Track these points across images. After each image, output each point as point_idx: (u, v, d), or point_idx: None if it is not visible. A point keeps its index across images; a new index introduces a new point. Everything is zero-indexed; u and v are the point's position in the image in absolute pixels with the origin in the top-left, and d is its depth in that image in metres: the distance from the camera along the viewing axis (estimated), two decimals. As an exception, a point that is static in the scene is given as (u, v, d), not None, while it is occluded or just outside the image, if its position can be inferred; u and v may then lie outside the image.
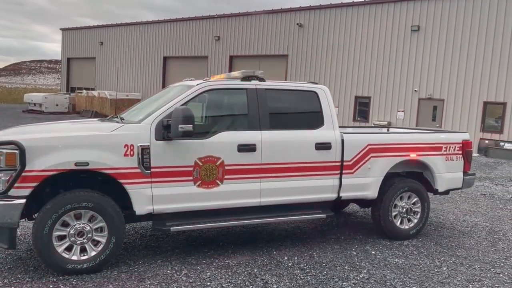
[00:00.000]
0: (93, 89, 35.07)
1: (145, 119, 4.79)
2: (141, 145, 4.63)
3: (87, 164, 4.39)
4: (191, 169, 4.84)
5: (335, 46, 24.86)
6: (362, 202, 6.35)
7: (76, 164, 4.35)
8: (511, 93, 19.28)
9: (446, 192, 6.58)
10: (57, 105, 31.67)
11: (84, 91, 33.05)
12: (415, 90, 22.01)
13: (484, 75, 19.93)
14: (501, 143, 18.71)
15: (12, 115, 28.76)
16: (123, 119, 5.01)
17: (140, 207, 4.67)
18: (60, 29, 40.04)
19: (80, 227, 4.45)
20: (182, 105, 4.86)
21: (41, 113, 30.31)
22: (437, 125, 21.10)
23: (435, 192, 6.45)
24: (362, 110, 24.16)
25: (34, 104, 31.71)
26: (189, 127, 4.55)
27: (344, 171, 5.67)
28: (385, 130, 8.19)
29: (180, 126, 4.54)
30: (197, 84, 5.13)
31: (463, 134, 6.71)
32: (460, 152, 6.50)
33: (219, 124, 5.34)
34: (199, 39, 31.25)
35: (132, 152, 4.60)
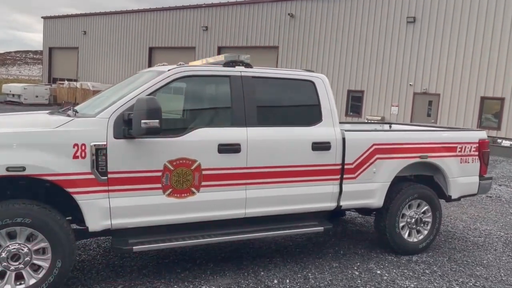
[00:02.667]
0: (76, 80, 33.72)
1: (102, 112, 3.83)
2: (95, 145, 3.67)
3: (23, 169, 3.43)
4: (159, 174, 3.91)
5: (327, 38, 23.97)
6: (363, 209, 5.47)
7: (8, 169, 3.39)
8: (509, 88, 18.60)
9: (459, 198, 5.74)
10: (37, 96, 30.28)
11: (66, 82, 31.70)
12: (410, 84, 21.24)
13: (482, 69, 19.21)
14: (499, 140, 18.04)
15: (-12, 106, 27.40)
16: (77, 112, 4.04)
17: (94, 222, 3.73)
18: (42, 17, 38.51)
19: (14, 248, 3.49)
20: (148, 94, 3.91)
21: (20, 105, 28.96)
22: (432, 120, 20.38)
23: (448, 199, 5.59)
24: (354, 104, 23.35)
25: (13, 95, 30.30)
26: (154, 122, 3.61)
27: (345, 176, 4.78)
28: (387, 127, 7.31)
29: (143, 121, 3.60)
30: (169, 70, 4.18)
31: (480, 132, 5.86)
32: (476, 153, 5.65)
33: (196, 119, 4.42)
34: (186, 29, 30.09)
35: (83, 154, 3.64)
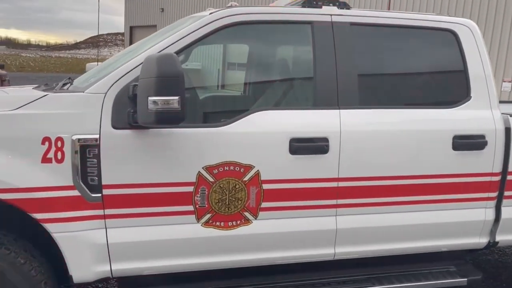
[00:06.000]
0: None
1: (94, 85, 2.28)
2: (80, 139, 2.14)
3: (-45, 179, 2.00)
4: (190, 189, 2.30)
5: None
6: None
7: None
8: None
9: None
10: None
11: (145, 61, 31.72)
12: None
13: None
14: None
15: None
16: (71, 85, 2.53)
17: (82, 269, 2.23)
18: (123, -4, 39.05)
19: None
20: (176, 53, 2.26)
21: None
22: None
23: None
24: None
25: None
26: (171, 101, 1.97)
27: (506, 194, 2.81)
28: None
29: (151, 98, 1.98)
30: (211, 13, 2.49)
31: None
32: None
33: (253, 97, 2.79)
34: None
35: (59, 155, 2.14)
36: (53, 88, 2.57)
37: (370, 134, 2.53)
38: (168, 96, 1.95)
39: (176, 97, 1.96)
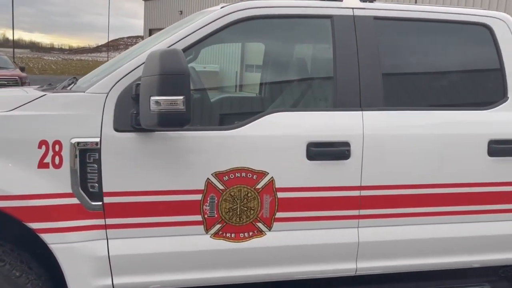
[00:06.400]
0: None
1: (96, 84, 2.11)
2: (79, 143, 1.98)
3: None
4: (198, 197, 2.11)
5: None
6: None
7: None
8: None
9: None
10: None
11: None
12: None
13: None
14: None
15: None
16: (71, 85, 2.38)
17: (81, 282, 2.06)
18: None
19: None
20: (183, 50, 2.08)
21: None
22: None
23: None
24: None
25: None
26: (176, 100, 1.79)
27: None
28: None
29: (153, 98, 1.79)
30: (223, 7, 2.30)
31: None
32: None
33: (266, 97, 2.60)
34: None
35: (57, 159, 1.98)
36: (55, 88, 2.43)
37: (396, 138, 2.30)
38: (172, 96, 1.77)
39: (181, 97, 1.78)
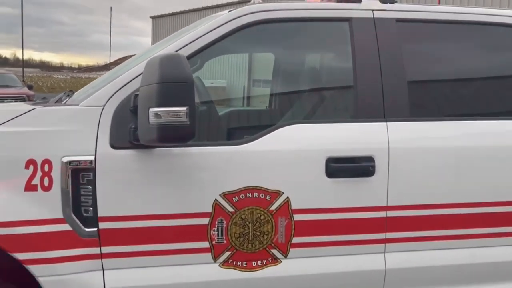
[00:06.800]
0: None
1: (91, 97, 1.90)
2: (72, 162, 1.76)
3: None
4: (205, 222, 1.88)
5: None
6: None
7: None
8: None
9: None
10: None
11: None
12: None
13: None
14: None
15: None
16: (66, 98, 2.18)
17: (73, 320, 1.82)
18: (150, 17, 39.73)
19: None
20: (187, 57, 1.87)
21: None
22: None
23: None
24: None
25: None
26: (178, 112, 1.56)
27: None
28: None
29: (152, 110, 1.58)
30: (230, 11, 2.10)
31: None
32: None
33: (281, 108, 2.40)
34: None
35: (47, 181, 1.76)
36: (48, 102, 2.23)
37: (426, 152, 2.05)
38: (174, 107, 1.55)
39: (184, 108, 1.55)
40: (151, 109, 1.57)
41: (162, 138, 1.60)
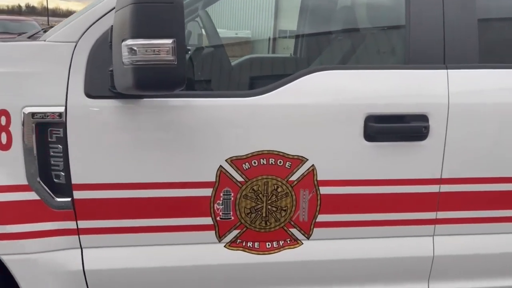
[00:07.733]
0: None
1: (60, 30, 1.47)
2: (35, 113, 1.37)
3: None
4: (207, 193, 1.48)
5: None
6: None
7: None
8: None
9: None
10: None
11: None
12: None
13: None
14: None
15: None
16: (38, 33, 1.77)
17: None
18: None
19: None
20: None
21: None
22: None
23: None
24: None
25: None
26: (160, 46, 1.12)
27: None
28: None
29: (126, 42, 1.13)
30: None
31: None
32: None
33: (308, 50, 1.89)
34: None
35: (5, 137, 1.38)
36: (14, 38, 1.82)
37: (498, 110, 1.56)
38: (154, 39, 1.10)
39: (169, 41, 1.11)
40: (124, 42, 1.13)
41: (139, 84, 1.16)
